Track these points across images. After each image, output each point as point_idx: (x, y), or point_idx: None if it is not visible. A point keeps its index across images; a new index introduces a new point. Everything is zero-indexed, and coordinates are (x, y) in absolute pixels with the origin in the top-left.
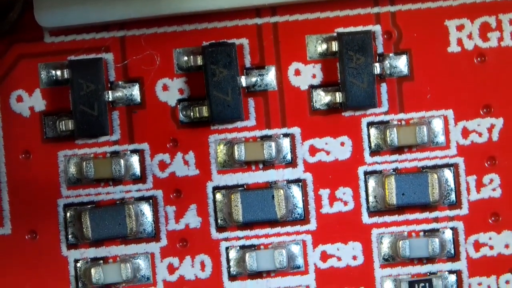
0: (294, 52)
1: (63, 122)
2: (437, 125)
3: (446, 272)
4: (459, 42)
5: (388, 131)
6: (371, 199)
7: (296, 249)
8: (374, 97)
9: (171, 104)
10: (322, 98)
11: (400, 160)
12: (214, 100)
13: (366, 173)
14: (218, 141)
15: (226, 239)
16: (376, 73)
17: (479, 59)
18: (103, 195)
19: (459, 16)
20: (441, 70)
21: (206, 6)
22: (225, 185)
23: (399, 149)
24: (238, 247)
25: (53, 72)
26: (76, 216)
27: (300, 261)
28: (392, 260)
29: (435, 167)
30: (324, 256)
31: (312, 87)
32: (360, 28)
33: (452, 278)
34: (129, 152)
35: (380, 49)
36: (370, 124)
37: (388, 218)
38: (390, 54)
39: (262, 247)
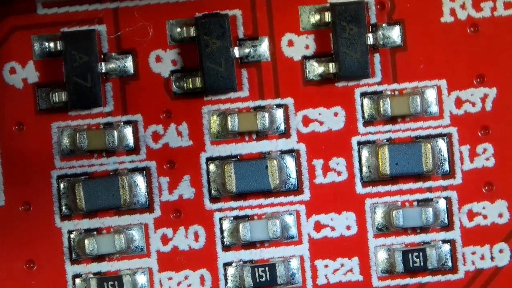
0: (287, 23)
1: (56, 93)
2: (431, 95)
3: (440, 242)
4: (452, 12)
5: (381, 101)
6: (364, 169)
7: (289, 220)
8: (367, 68)
9: (164, 76)
10: (315, 69)
11: (393, 130)
12: (207, 71)
13: (359, 143)
14: (212, 112)
15: (220, 210)
16: (369, 43)
17: (472, 29)
18: (97, 167)
19: None
20: (434, 40)
21: None
22: (218, 155)
23: (392, 119)
24: (232, 218)
25: (46, 44)
26: (69, 187)
27: (293, 231)
28: (385, 230)
29: (428, 137)
30: (318, 226)
31: (305, 57)
32: None
33: (446, 247)
34: (122, 123)
35: (373, 20)
36: (363, 95)
37: (381, 188)
38: (383, 25)
39: (255, 217)
